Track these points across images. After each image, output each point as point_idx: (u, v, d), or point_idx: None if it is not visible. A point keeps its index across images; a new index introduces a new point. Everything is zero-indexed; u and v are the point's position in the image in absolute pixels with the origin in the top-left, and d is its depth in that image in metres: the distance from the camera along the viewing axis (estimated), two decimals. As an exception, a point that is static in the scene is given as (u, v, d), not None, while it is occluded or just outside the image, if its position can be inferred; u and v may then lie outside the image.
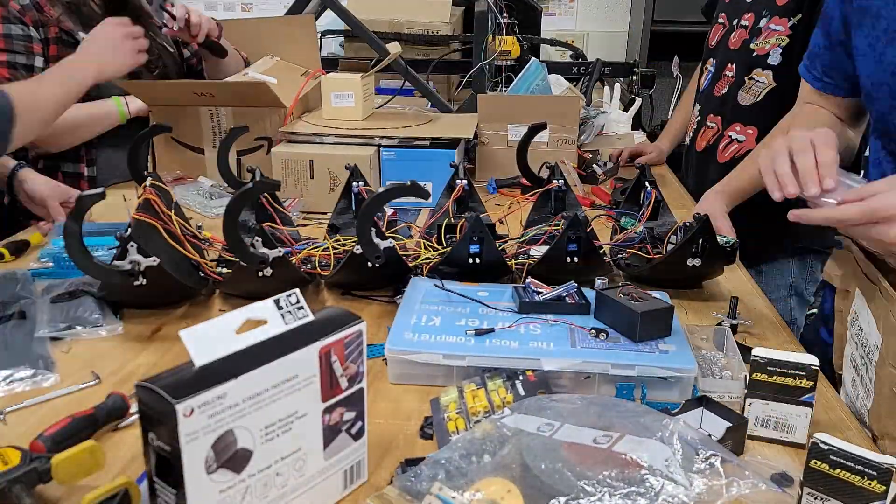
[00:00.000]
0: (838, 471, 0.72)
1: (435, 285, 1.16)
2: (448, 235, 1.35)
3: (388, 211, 1.44)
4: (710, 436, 0.82)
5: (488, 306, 1.12)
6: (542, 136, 1.84)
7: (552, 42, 2.82)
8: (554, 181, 1.47)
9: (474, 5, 2.24)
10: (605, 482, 0.71)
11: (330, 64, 2.46)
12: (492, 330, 1.05)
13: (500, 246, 1.29)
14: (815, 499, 0.74)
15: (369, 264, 1.16)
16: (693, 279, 1.32)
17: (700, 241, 1.22)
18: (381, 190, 1.15)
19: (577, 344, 1.02)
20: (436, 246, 1.31)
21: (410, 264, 1.27)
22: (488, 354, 1.00)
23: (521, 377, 0.96)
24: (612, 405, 0.83)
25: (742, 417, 0.90)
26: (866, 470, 0.70)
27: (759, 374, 0.88)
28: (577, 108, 1.92)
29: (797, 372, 0.87)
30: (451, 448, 0.78)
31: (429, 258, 1.27)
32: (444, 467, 0.75)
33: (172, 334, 1.15)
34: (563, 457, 0.75)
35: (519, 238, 1.38)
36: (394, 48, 1.96)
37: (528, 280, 1.17)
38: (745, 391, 0.90)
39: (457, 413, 0.93)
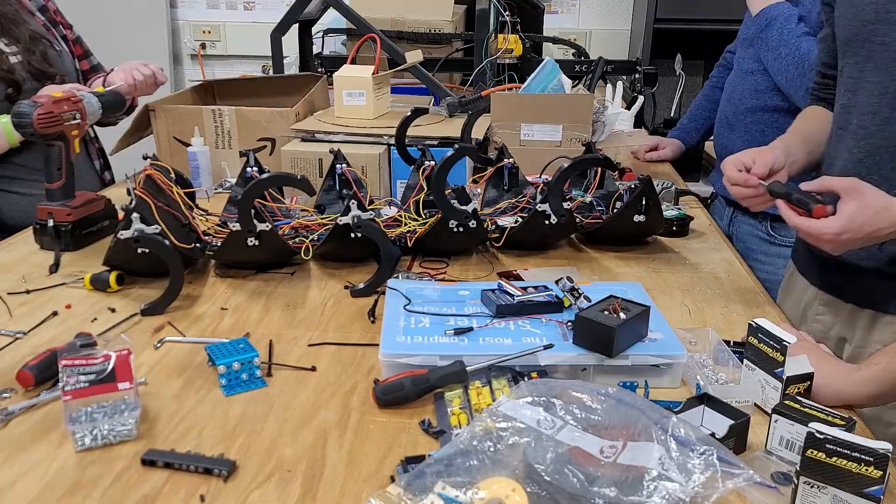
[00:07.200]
0: (835, 458, 0.72)
1: (405, 308, 1.12)
2: (426, 210, 1.47)
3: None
4: (713, 434, 0.83)
5: (464, 315, 1.10)
6: (554, 135, 1.84)
7: (555, 40, 2.82)
8: (504, 160, 1.60)
9: (476, 3, 2.25)
10: (607, 481, 0.72)
11: (332, 63, 2.47)
12: (470, 329, 1.05)
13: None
14: (812, 487, 0.74)
15: (352, 234, 1.28)
16: (639, 234, 1.51)
17: (644, 200, 1.41)
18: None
19: (568, 337, 1.03)
20: (416, 217, 1.43)
21: (393, 233, 1.39)
22: (483, 353, 1.00)
23: (525, 377, 0.96)
24: (610, 397, 0.83)
25: (743, 414, 0.89)
26: (863, 456, 0.71)
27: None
28: (591, 107, 1.91)
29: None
30: (453, 445, 0.78)
31: (412, 229, 1.39)
32: (446, 465, 0.75)
33: (173, 334, 1.15)
34: (565, 458, 0.76)
35: (491, 212, 1.55)
36: (414, 56, 1.96)
37: (498, 281, 1.17)
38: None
39: (461, 409, 0.93)
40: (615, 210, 1.50)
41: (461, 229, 1.35)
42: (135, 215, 1.20)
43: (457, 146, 1.38)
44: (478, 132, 1.78)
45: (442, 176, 1.33)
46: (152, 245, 1.20)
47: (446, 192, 1.35)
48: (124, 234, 1.19)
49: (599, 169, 1.61)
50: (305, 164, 1.67)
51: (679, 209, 1.65)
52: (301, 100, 1.89)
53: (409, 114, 1.64)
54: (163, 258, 1.21)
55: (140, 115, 1.90)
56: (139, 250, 1.20)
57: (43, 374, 0.99)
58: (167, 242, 1.21)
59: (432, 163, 1.54)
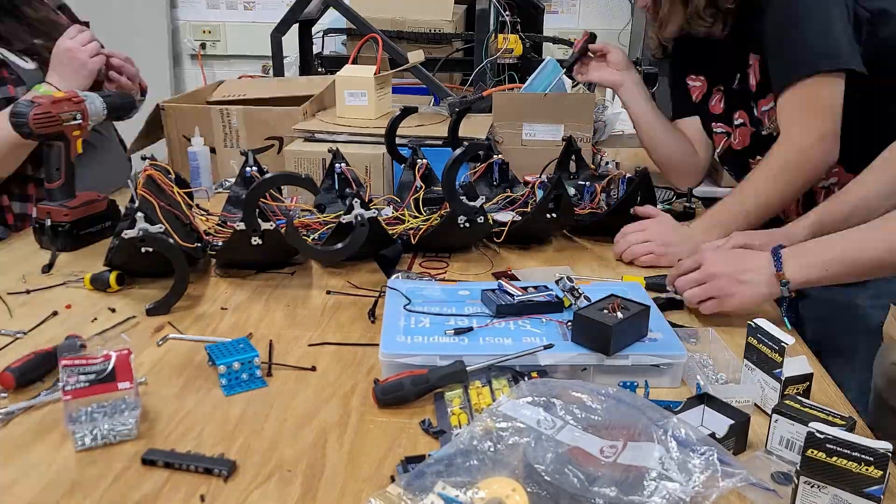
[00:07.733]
0: (835, 458, 0.72)
1: (405, 308, 1.12)
2: (426, 207, 1.49)
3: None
4: (713, 434, 0.83)
5: (464, 315, 1.10)
6: (556, 135, 1.85)
7: (555, 40, 2.82)
8: (494, 155, 1.64)
9: (476, 3, 2.25)
10: (607, 481, 0.72)
11: (332, 63, 2.47)
12: (470, 329, 1.05)
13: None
14: (812, 486, 0.74)
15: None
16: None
17: (640, 193, 1.50)
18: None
19: (568, 337, 1.03)
20: (417, 214, 1.46)
21: (396, 230, 1.42)
22: (483, 353, 1.00)
23: (525, 377, 0.96)
24: (610, 397, 0.83)
25: (743, 414, 0.89)
26: (863, 456, 0.71)
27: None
28: (592, 107, 1.92)
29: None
30: (453, 445, 0.78)
31: (416, 226, 1.42)
32: (447, 465, 0.75)
33: (174, 334, 1.15)
34: (565, 458, 0.75)
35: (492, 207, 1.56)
36: (416, 56, 1.96)
37: (498, 280, 1.17)
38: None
39: (461, 409, 0.93)
40: (612, 202, 1.57)
41: (468, 225, 1.37)
42: (139, 214, 1.20)
43: (467, 144, 1.39)
44: (480, 132, 1.78)
45: (452, 173, 1.34)
46: (157, 244, 1.20)
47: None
48: (129, 234, 1.19)
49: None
50: (309, 164, 1.68)
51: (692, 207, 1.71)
52: (310, 99, 1.89)
53: (398, 113, 1.65)
54: (168, 257, 1.21)
55: (154, 116, 1.90)
56: (143, 250, 1.20)
57: (25, 377, 0.98)
58: (171, 241, 1.21)
59: (425, 161, 1.56)
